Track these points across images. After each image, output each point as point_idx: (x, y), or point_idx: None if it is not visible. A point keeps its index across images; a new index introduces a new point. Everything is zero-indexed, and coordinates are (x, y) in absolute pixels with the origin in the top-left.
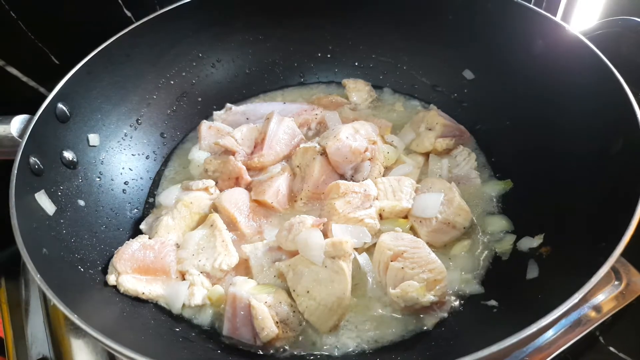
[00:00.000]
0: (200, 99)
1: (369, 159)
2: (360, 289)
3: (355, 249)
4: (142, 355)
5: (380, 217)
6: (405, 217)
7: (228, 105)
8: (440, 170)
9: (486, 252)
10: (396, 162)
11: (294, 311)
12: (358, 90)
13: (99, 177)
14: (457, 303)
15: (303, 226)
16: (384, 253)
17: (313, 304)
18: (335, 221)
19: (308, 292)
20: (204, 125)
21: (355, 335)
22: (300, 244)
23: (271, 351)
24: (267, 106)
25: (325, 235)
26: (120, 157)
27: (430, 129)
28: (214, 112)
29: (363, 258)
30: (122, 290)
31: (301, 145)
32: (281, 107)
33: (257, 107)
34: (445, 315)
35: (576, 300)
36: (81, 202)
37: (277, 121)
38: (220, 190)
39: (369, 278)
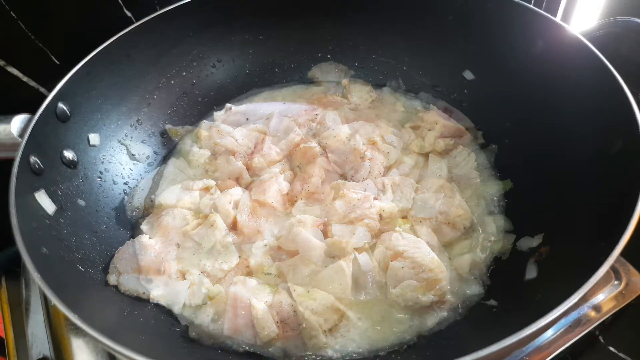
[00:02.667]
0: (200, 99)
1: (369, 159)
2: (360, 288)
3: (355, 249)
4: (142, 356)
5: (380, 217)
6: (405, 217)
7: (228, 105)
8: (440, 170)
9: (486, 252)
10: (396, 162)
11: (294, 311)
12: (358, 90)
13: (99, 177)
14: (456, 303)
15: (303, 226)
16: (384, 253)
17: (313, 304)
18: (335, 221)
19: (308, 291)
20: (204, 125)
21: (355, 334)
22: (300, 243)
23: (271, 351)
24: (267, 106)
25: (325, 235)
26: (121, 157)
27: (430, 129)
28: (214, 112)
29: (363, 258)
30: (122, 290)
31: (301, 146)
32: (281, 107)
33: (257, 107)
34: (445, 314)
35: (575, 300)
36: (81, 202)
37: (277, 121)
38: (221, 190)
39: (368, 278)
